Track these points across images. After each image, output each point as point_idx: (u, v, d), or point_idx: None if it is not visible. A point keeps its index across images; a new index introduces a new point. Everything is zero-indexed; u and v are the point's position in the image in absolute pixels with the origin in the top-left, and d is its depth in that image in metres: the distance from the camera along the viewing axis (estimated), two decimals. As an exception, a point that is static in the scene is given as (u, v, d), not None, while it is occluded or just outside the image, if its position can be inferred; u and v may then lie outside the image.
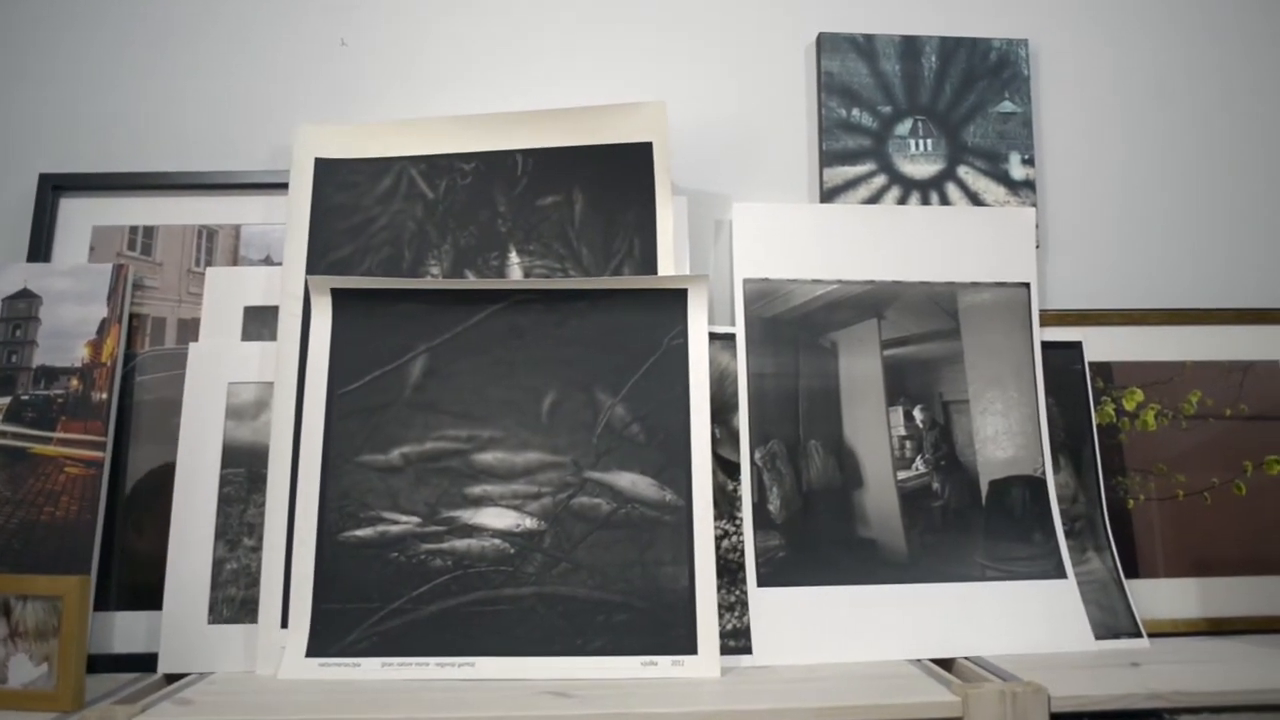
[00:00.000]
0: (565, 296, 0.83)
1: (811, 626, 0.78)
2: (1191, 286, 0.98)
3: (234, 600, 0.78)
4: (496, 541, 0.77)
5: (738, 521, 0.82)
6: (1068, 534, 0.85)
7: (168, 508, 0.79)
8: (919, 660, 0.77)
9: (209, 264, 0.89)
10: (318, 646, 0.74)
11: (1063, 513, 0.86)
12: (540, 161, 0.88)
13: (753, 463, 0.84)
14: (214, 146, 0.94)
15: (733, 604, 0.79)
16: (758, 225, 0.90)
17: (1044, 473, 0.87)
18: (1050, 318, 0.92)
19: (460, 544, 0.77)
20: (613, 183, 0.87)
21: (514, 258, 0.87)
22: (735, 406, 0.85)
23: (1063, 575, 0.83)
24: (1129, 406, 0.91)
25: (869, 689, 0.67)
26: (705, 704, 0.65)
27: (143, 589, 0.80)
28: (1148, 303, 0.97)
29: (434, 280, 0.85)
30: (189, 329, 0.87)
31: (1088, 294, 0.97)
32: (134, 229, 0.90)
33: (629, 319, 0.83)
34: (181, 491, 0.80)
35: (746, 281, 0.89)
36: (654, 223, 0.86)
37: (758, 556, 0.81)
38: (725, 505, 0.82)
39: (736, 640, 0.77)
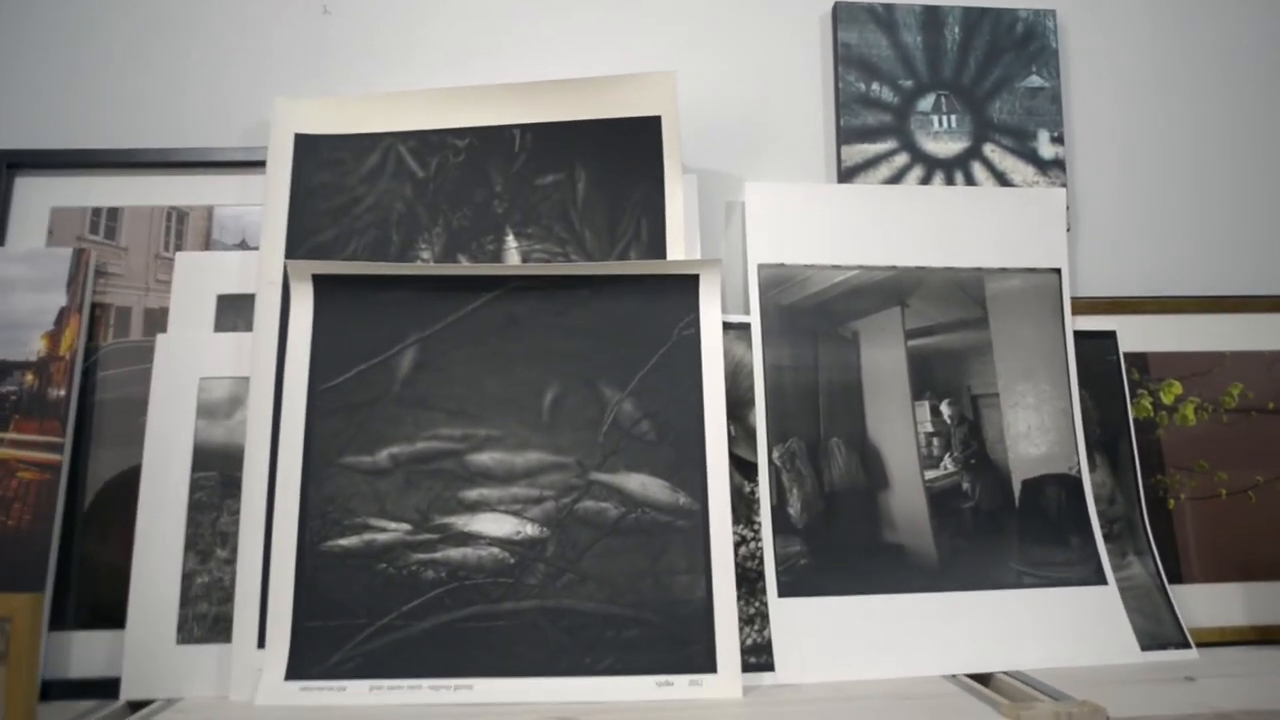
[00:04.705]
0: (567, 283, 0.76)
1: (838, 640, 0.72)
2: (1229, 272, 0.92)
3: (205, 618, 0.71)
4: (495, 550, 0.71)
5: (756, 526, 0.76)
6: (1106, 537, 0.80)
7: (132, 516, 0.72)
8: (954, 676, 0.71)
9: (179, 248, 0.82)
10: (299, 668, 0.67)
11: (1100, 514, 0.80)
12: (539, 137, 0.81)
13: (770, 462, 0.78)
14: (184, 121, 0.86)
15: (752, 616, 0.72)
16: (772, 207, 0.84)
17: (1079, 471, 0.81)
18: (1081, 305, 0.87)
19: (455, 554, 0.71)
20: (618, 160, 0.81)
21: (511, 241, 0.80)
22: (751, 402, 0.79)
23: (1103, 581, 0.78)
24: (1167, 400, 0.86)
25: (910, 711, 0.61)
26: (729, 730, 0.59)
27: (103, 606, 0.72)
28: (1183, 289, 0.91)
29: (425, 266, 0.78)
30: (157, 319, 0.80)
31: (1119, 280, 0.91)
32: (96, 211, 0.83)
33: (636, 307, 0.76)
34: (147, 498, 0.73)
35: (761, 267, 0.82)
36: (663, 203, 0.80)
37: (778, 564, 0.75)
38: (742, 509, 0.76)
39: (757, 656, 0.71)
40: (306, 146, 0.81)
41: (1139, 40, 0.95)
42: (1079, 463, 0.82)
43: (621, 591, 0.70)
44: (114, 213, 0.83)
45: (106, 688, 0.69)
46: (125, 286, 0.81)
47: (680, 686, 0.66)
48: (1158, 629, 0.77)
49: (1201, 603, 0.81)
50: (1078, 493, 0.81)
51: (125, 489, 0.75)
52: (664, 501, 0.72)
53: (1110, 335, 0.86)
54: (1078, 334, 0.85)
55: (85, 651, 0.71)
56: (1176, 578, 0.81)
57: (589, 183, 0.81)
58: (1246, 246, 0.93)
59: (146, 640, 0.69)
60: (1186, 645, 0.76)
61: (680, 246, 0.79)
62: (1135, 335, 0.87)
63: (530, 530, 0.71)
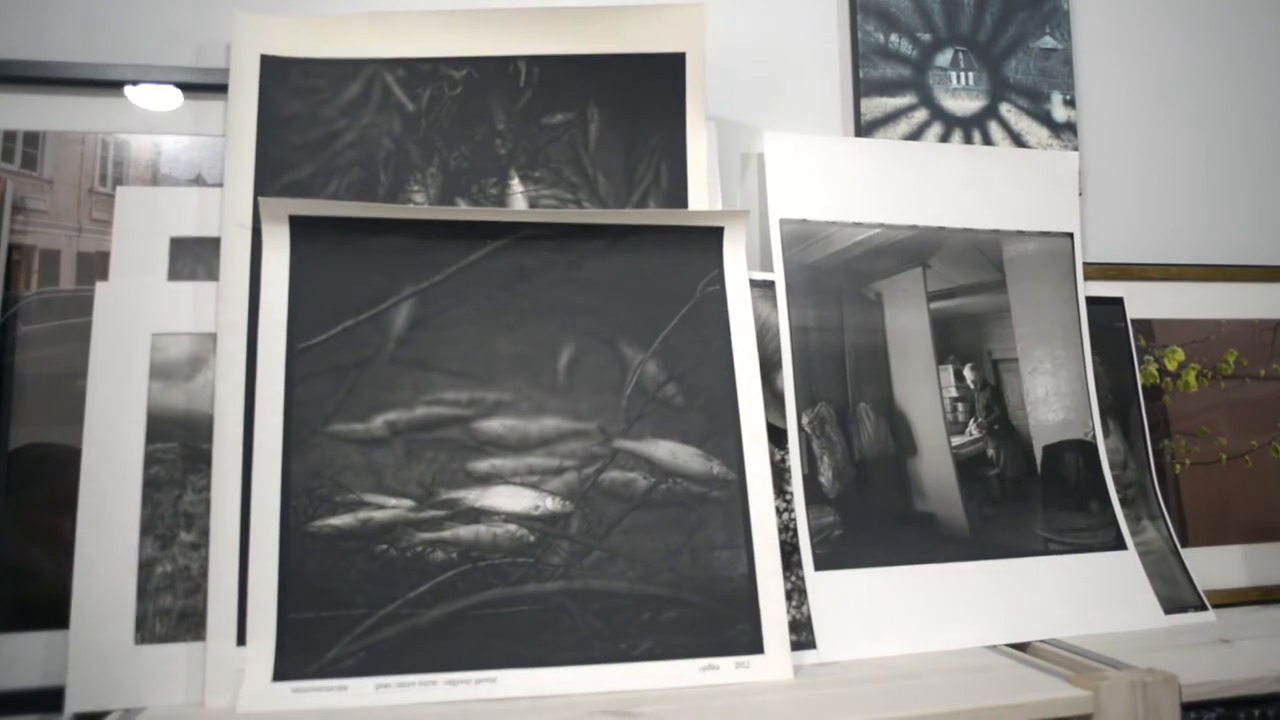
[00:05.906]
0: (581, 233, 0.69)
1: (877, 614, 0.68)
2: (1225, 241, 0.93)
3: (170, 613, 0.60)
4: (512, 527, 0.63)
5: (788, 496, 0.71)
6: (1121, 502, 0.79)
7: (71, 497, 0.61)
8: (995, 646, 0.68)
9: (118, 183, 0.70)
10: (289, 667, 0.58)
11: (1114, 479, 0.80)
12: (548, 71, 0.73)
13: (800, 429, 0.73)
14: (122, 33, 0.73)
15: (789, 591, 0.68)
16: (793, 159, 0.79)
17: (1095, 437, 0.80)
18: (1091, 271, 0.86)
19: (466, 532, 0.63)
20: (636, 99, 0.73)
21: (516, 185, 0.72)
22: (778, 364, 0.74)
23: (1123, 546, 0.77)
24: (1171, 366, 0.86)
25: (980, 686, 0.58)
26: (795, 715, 0.54)
27: (39, 603, 0.61)
28: (1179, 257, 0.92)
29: (423, 208, 0.69)
30: (92, 265, 0.68)
31: (1125, 246, 0.91)
32: (10, 135, 0.69)
33: (657, 261, 0.70)
34: (92, 475, 0.61)
35: (783, 222, 0.77)
36: (684, 148, 0.73)
37: (813, 536, 0.70)
38: (773, 478, 0.71)
39: (798, 633, 0.66)
40: (274, 70, 0.71)
41: (1148, 6, 0.94)
42: (1094, 428, 0.80)
43: (656, 570, 0.63)
44: (34, 138, 0.70)
45: (48, 699, 0.58)
46: (51, 226, 0.69)
47: (726, 670, 0.61)
48: (1175, 593, 0.76)
49: (1205, 565, 0.81)
50: (1094, 459, 0.80)
51: (61, 465, 0.63)
52: (697, 471, 0.66)
53: (1118, 301, 0.85)
54: (1087, 300, 0.83)
55: (18, 656, 0.59)
56: (1183, 541, 0.81)
57: (603, 123, 0.73)
58: (1243, 216, 0.94)
59: (97, 641, 0.58)
60: (1203, 608, 0.76)
61: (703, 196, 0.73)
62: (1141, 302, 0.86)
63: (551, 504, 0.64)
